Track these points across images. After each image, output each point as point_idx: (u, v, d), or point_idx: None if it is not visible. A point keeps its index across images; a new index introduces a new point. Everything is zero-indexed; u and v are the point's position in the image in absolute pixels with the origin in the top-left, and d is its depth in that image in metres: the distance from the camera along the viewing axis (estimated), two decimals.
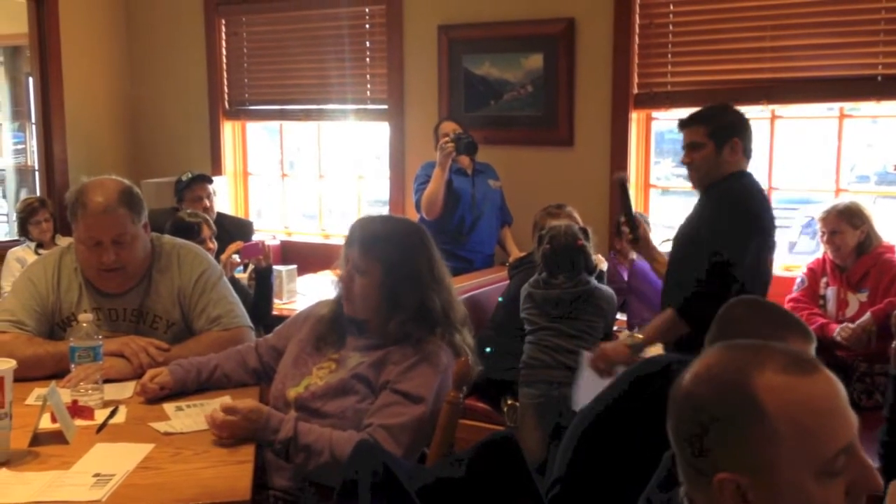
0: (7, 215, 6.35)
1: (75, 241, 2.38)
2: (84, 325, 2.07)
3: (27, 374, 2.10)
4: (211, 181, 4.44)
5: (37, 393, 2.06)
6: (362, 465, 1.43)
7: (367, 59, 4.95)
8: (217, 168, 5.33)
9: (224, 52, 5.36)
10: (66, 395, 1.97)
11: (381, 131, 4.95)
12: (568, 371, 2.98)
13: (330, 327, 2.05)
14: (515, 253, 4.13)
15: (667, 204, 4.54)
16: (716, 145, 2.74)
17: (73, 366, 2.06)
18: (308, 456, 1.79)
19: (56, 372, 2.13)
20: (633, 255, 3.55)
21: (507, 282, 3.64)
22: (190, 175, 4.41)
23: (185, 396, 2.07)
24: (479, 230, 4.12)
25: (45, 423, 1.84)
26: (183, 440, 1.81)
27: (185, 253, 2.43)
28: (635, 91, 4.18)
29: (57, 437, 1.80)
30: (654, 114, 4.29)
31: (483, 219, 4.14)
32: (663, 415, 1.08)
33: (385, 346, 1.95)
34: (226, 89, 5.38)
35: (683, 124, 2.82)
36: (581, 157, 4.30)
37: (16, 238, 4.85)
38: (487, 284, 3.84)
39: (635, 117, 4.23)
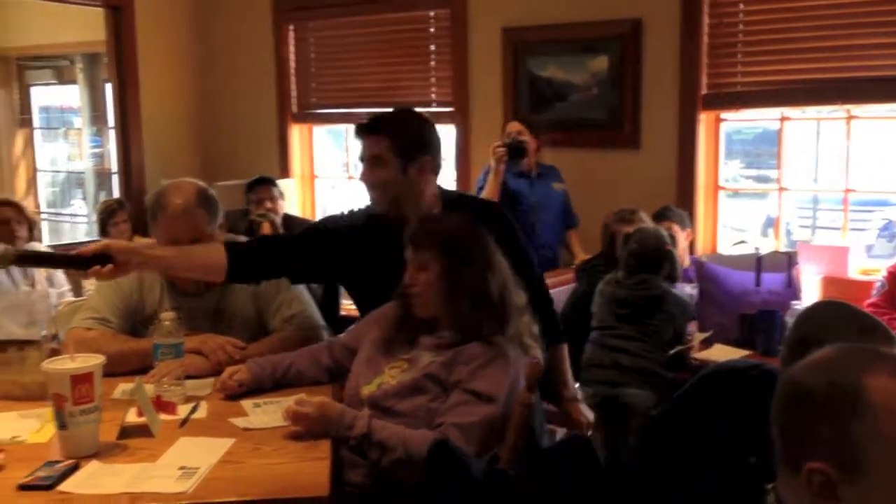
0: (87, 216, 6.58)
1: (156, 241, 2.47)
2: (167, 322, 2.15)
3: (112, 370, 2.16)
4: (274, 184, 4.54)
5: (122, 388, 2.14)
6: (439, 463, 1.45)
7: (432, 63, 5.01)
8: (285, 171, 5.45)
9: (292, 57, 5.47)
10: (149, 391, 2.04)
11: (446, 134, 5.00)
12: (625, 371, 2.98)
13: (400, 327, 2.09)
14: (581, 255, 4.12)
15: (736, 206, 4.48)
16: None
17: (155, 362, 2.14)
18: (382, 452, 1.83)
19: (139, 368, 2.20)
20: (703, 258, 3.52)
21: (574, 284, 3.64)
22: (256, 177, 4.53)
23: (261, 394, 2.12)
24: (538, 233, 4.13)
25: (132, 417, 1.93)
26: (261, 436, 1.86)
27: None
28: (704, 92, 4.14)
29: (143, 431, 1.87)
30: (723, 115, 4.24)
31: (543, 222, 4.15)
32: (734, 417, 1.09)
33: (456, 344, 1.97)
34: (293, 94, 5.50)
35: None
36: (648, 160, 4.27)
37: (96, 238, 5.03)
38: (551, 287, 3.82)
39: (703, 118, 4.18)
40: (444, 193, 2.46)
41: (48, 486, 1.58)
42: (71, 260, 2.20)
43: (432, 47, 4.99)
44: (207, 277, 2.38)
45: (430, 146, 2.36)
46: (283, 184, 4.94)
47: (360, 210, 2.50)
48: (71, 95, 6.76)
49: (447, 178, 4.91)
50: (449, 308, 2.00)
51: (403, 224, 2.21)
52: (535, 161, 4.21)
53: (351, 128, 5.55)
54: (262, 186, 4.52)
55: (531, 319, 2.07)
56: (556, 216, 4.24)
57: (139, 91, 5.45)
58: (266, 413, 2.00)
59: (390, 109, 2.48)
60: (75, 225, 6.86)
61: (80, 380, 1.73)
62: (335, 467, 1.82)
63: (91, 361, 1.77)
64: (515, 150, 4.00)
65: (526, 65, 4.60)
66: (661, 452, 1.78)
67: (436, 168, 2.39)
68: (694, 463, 1.53)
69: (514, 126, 4.19)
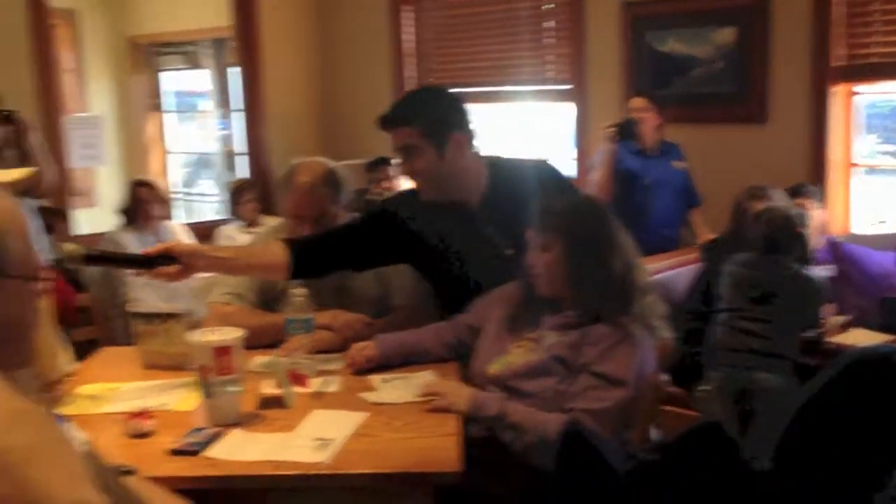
0: (215, 196, 6.86)
1: (284, 217, 2.57)
2: (298, 298, 2.23)
3: (248, 344, 2.25)
4: (391, 164, 4.61)
5: (257, 361, 2.23)
6: (573, 447, 1.46)
7: (549, 40, 4.96)
8: None
9: (410, 38, 5.53)
10: (284, 364, 2.13)
11: (564, 112, 4.95)
12: (755, 355, 2.89)
13: (524, 306, 2.09)
14: (704, 235, 4.02)
15: (873, 184, 4.27)
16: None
17: (287, 336, 2.22)
18: (516, 435, 1.84)
19: (272, 342, 2.28)
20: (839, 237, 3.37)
21: (695, 265, 3.56)
22: (376, 157, 4.61)
23: (389, 370, 2.18)
24: (656, 212, 4.05)
25: (269, 389, 2.01)
26: (392, 410, 1.91)
27: None
28: (837, 63, 3.95)
29: (278, 402, 1.95)
30: (858, 88, 4.03)
31: (661, 201, 4.06)
32: (879, 405, 1.05)
33: (581, 324, 1.97)
34: (411, 74, 5.55)
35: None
36: (775, 135, 4.12)
37: (225, 217, 5.25)
38: (672, 267, 3.76)
39: (836, 92, 3.99)
40: (489, 161, 2.42)
41: (196, 451, 1.68)
42: (137, 260, 2.24)
43: (549, 24, 4.94)
44: (269, 276, 2.40)
45: (460, 121, 2.32)
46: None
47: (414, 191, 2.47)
48: (199, 80, 7.04)
49: (566, 158, 4.87)
50: (571, 289, 1.99)
51: (460, 201, 2.23)
52: (659, 138, 4.12)
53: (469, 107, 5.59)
54: (381, 166, 4.61)
55: (657, 299, 2.04)
56: (676, 195, 4.15)
57: (264, 74, 5.63)
58: (395, 388, 2.05)
59: (414, 91, 2.46)
60: (204, 204, 7.16)
61: (222, 352, 1.82)
62: None
63: (232, 335, 1.86)
64: (626, 130, 3.93)
65: (645, 39, 4.50)
66: (805, 446, 1.72)
67: (471, 140, 2.34)
68: (838, 459, 1.47)
69: (637, 102, 4.12)
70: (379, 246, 2.36)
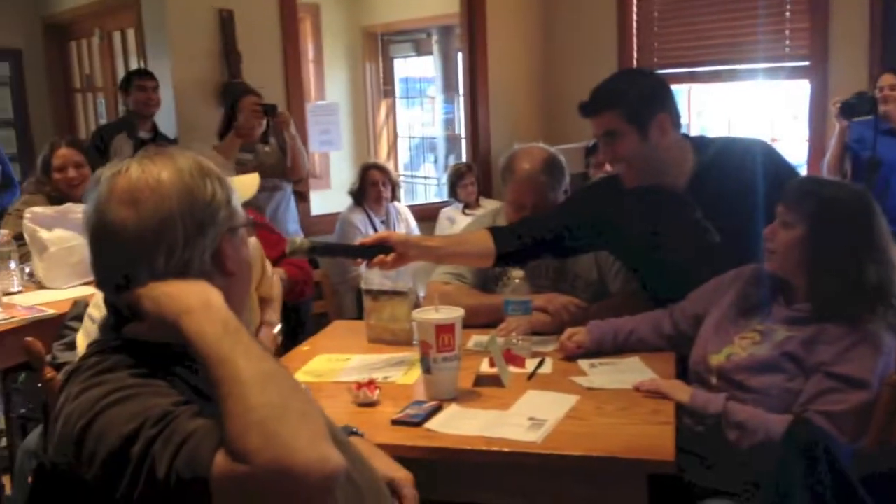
0: (437, 179, 7.10)
1: (505, 202, 2.62)
2: (517, 280, 2.28)
3: (466, 322, 2.33)
4: None
5: (475, 339, 2.31)
6: (798, 443, 1.39)
7: (787, 14, 4.66)
8: None
9: (634, 16, 5.41)
10: (500, 344, 2.18)
11: (799, 90, 4.65)
12: None
13: (755, 294, 2.00)
14: None
15: None
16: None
17: (505, 317, 2.28)
18: (742, 434, 1.78)
19: (488, 322, 2.34)
20: None
21: None
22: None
23: (599, 356, 2.17)
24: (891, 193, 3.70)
25: (485, 368, 2.08)
26: (604, 395, 1.91)
27: None
28: None
29: (494, 381, 2.01)
30: None
31: None
32: None
33: (815, 321, 1.85)
34: (635, 55, 5.44)
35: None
36: None
37: (446, 199, 5.42)
38: None
39: None
40: (696, 142, 2.31)
41: (416, 423, 1.77)
42: (357, 251, 2.35)
43: None
44: (478, 264, 2.43)
45: (663, 101, 2.23)
46: None
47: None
48: (427, 66, 7.30)
49: (799, 138, 4.58)
50: (807, 279, 1.87)
51: (665, 185, 2.17)
52: None
53: (695, 87, 5.39)
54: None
55: None
56: None
57: (487, 59, 5.73)
58: (603, 374, 2.05)
59: (614, 75, 2.40)
60: (427, 186, 7.43)
61: (444, 330, 1.90)
62: None
63: (453, 314, 1.93)
64: (857, 107, 3.61)
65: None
66: None
67: (675, 121, 2.25)
68: None
69: (888, 79, 3.79)
70: (582, 233, 2.35)
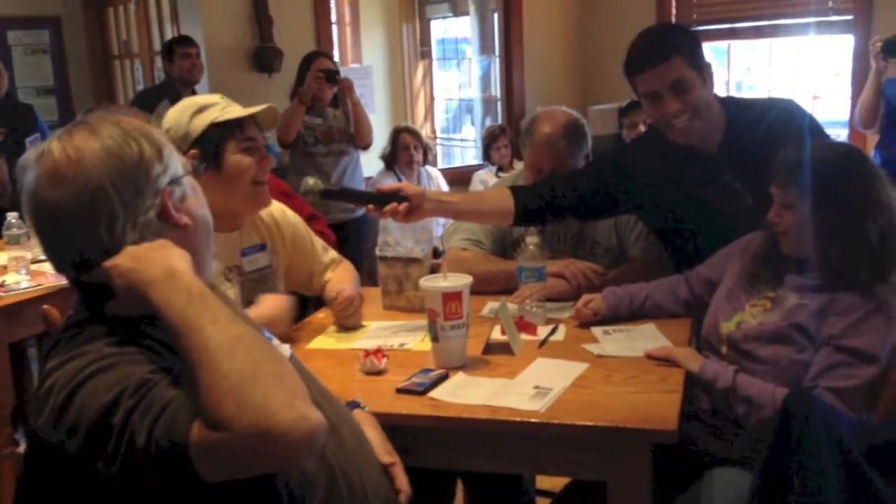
0: (475, 141, 7.05)
1: (524, 166, 2.59)
2: (531, 247, 2.25)
3: (482, 289, 2.32)
4: None
5: (489, 306, 2.30)
6: (796, 413, 1.35)
7: None
8: None
9: None
10: (512, 311, 2.17)
11: (842, 45, 4.49)
12: None
13: (765, 262, 1.94)
14: None
15: None
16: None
17: (519, 284, 2.25)
18: (750, 408, 1.75)
19: (505, 288, 2.33)
20: None
21: None
22: (630, 101, 4.47)
23: (614, 322, 2.14)
24: None
25: (496, 335, 2.06)
26: (614, 363, 1.88)
27: None
28: None
29: (505, 348, 1.99)
30: None
31: None
32: None
33: (828, 288, 1.80)
34: (673, 10, 5.30)
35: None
36: None
37: (480, 163, 5.39)
38: None
39: None
40: (726, 101, 2.25)
41: (421, 391, 1.76)
42: (370, 197, 2.31)
43: None
44: (497, 222, 2.41)
45: (703, 53, 2.17)
46: None
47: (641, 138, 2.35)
48: (464, 27, 7.20)
49: (841, 96, 4.43)
50: (818, 250, 1.81)
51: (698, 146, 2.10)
52: None
53: (736, 44, 5.24)
54: (636, 110, 4.46)
55: None
56: None
57: (522, 19, 5.64)
58: (616, 341, 2.02)
59: (653, 28, 2.35)
60: (465, 149, 7.38)
61: (451, 297, 1.88)
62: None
63: (460, 281, 1.91)
64: (892, 47, 3.45)
65: None
66: None
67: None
68: None
69: None
70: (609, 194, 2.30)
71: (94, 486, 1.13)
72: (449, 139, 7.61)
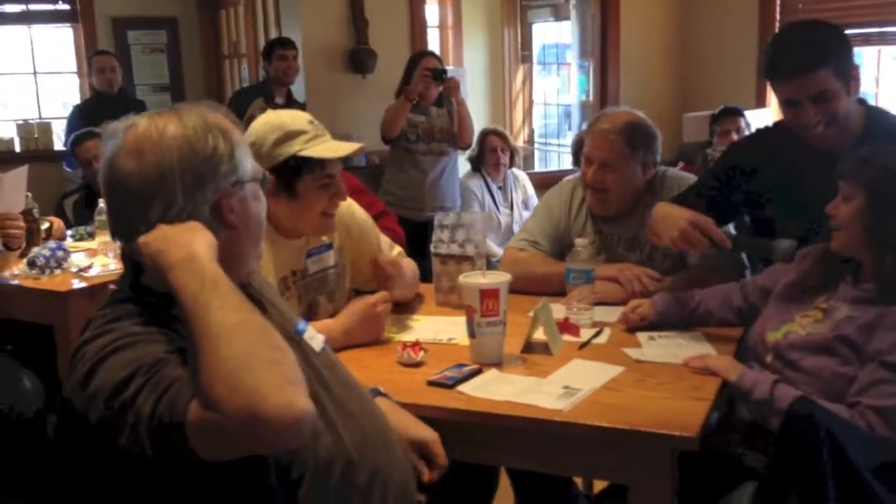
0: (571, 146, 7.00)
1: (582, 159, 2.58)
2: (579, 249, 2.24)
3: (539, 290, 2.34)
4: (741, 114, 4.32)
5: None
6: (799, 419, 1.31)
7: None
8: (761, 100, 5.15)
9: None
10: (561, 312, 2.16)
11: None
12: None
13: (820, 271, 1.88)
14: None
15: None
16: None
17: (568, 286, 2.25)
18: None
19: (560, 290, 2.31)
20: None
21: None
22: (722, 108, 4.36)
23: (662, 328, 2.11)
24: None
25: (539, 335, 2.06)
26: (651, 369, 1.86)
27: (681, 186, 2.45)
28: None
29: (544, 349, 1.99)
30: None
31: None
32: None
33: (879, 302, 1.72)
34: (777, 16, 5.13)
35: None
36: None
37: (573, 168, 5.35)
38: None
39: None
40: (870, 109, 2.15)
41: (450, 385, 1.79)
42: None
43: None
44: None
45: (853, 55, 2.06)
46: (755, 114, 4.69)
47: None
48: (565, 32, 7.17)
49: None
50: (871, 254, 1.75)
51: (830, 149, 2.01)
52: None
53: None
54: (728, 117, 4.35)
55: None
56: None
57: (620, 25, 5.58)
58: (660, 346, 1.99)
59: (805, 27, 2.20)
60: (563, 154, 7.34)
61: (488, 294, 1.89)
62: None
63: (499, 279, 1.93)
64: None
65: None
66: None
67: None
68: None
69: None
70: (730, 193, 2.26)
71: (112, 454, 1.21)
72: (546, 144, 7.58)
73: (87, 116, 5.03)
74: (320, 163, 2.00)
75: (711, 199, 2.27)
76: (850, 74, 2.02)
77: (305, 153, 1.98)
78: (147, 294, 1.28)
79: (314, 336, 1.52)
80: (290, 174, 1.98)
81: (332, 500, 1.33)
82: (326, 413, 1.37)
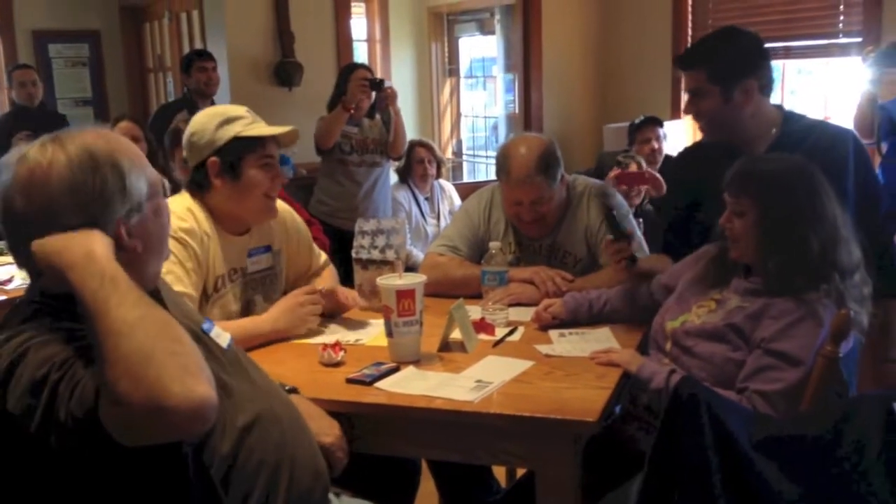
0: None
1: (502, 199, 2.63)
2: (493, 252, 2.34)
3: (458, 292, 2.41)
4: (661, 124, 4.50)
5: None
6: (683, 397, 1.42)
7: None
8: (676, 112, 5.35)
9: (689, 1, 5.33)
10: (477, 313, 2.26)
11: (852, 67, 4.50)
12: None
13: (715, 266, 2.02)
14: None
15: None
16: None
17: (483, 288, 2.34)
18: None
19: (478, 292, 2.42)
20: None
21: None
22: (642, 118, 4.53)
23: (572, 326, 2.22)
24: None
25: (456, 334, 2.14)
26: (559, 362, 1.96)
27: (596, 193, 2.57)
28: None
29: (460, 347, 2.08)
30: None
31: None
32: None
33: (765, 293, 1.86)
34: (689, 33, 5.35)
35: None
36: None
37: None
38: None
39: None
40: (787, 116, 2.28)
41: (368, 382, 1.86)
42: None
43: None
44: None
45: (754, 67, 2.20)
46: (671, 125, 4.88)
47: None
48: (490, 46, 7.32)
49: (845, 117, 4.44)
50: (761, 257, 1.88)
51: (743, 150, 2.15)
52: None
53: None
54: (648, 126, 4.51)
55: (864, 280, 1.86)
56: None
57: (542, 39, 5.74)
58: (569, 343, 2.10)
59: (714, 33, 2.39)
60: (489, 166, 7.48)
61: (404, 295, 1.98)
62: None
63: (414, 280, 2.01)
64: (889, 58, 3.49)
65: None
66: None
67: (764, 88, 2.22)
68: None
69: None
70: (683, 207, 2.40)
71: (35, 446, 1.25)
72: (475, 156, 7.72)
73: (6, 131, 4.95)
74: (261, 142, 2.15)
75: (677, 216, 2.42)
76: (732, 83, 2.16)
77: (246, 133, 2.13)
78: (51, 298, 1.31)
79: (220, 334, 1.59)
80: (232, 154, 2.13)
81: (242, 479, 1.42)
82: (233, 399, 1.44)
